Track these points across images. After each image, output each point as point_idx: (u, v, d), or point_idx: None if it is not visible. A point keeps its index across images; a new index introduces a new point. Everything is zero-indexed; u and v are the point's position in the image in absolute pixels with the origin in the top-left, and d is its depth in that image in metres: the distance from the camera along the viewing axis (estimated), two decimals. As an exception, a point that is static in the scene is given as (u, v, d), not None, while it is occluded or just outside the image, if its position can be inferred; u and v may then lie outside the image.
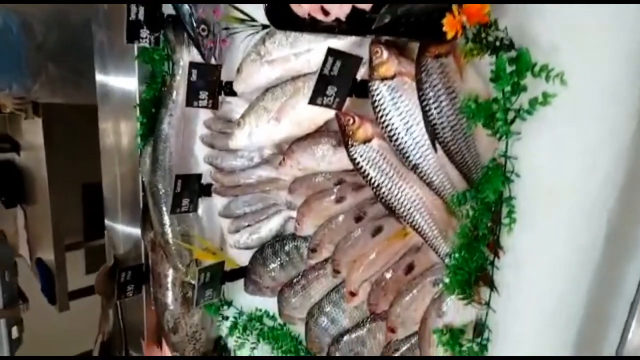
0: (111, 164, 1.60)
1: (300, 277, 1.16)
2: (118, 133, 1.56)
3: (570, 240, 0.77)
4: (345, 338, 1.08)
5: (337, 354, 1.09)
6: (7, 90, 2.34)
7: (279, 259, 1.18)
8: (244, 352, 1.32)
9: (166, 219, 1.27)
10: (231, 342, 1.38)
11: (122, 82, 1.49)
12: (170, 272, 1.36)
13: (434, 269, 0.96)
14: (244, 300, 1.34)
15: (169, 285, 1.36)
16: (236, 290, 1.35)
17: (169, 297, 1.36)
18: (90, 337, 2.04)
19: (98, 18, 1.62)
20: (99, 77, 1.60)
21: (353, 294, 1.06)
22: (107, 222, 1.66)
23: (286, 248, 1.17)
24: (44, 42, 2.27)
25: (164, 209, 1.27)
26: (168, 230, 1.26)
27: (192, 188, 1.24)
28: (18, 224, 3.51)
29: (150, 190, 1.29)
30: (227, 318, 1.36)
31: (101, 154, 1.68)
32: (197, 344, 1.39)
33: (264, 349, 1.29)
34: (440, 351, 0.93)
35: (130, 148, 1.50)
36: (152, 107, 1.30)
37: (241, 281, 1.32)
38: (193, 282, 1.27)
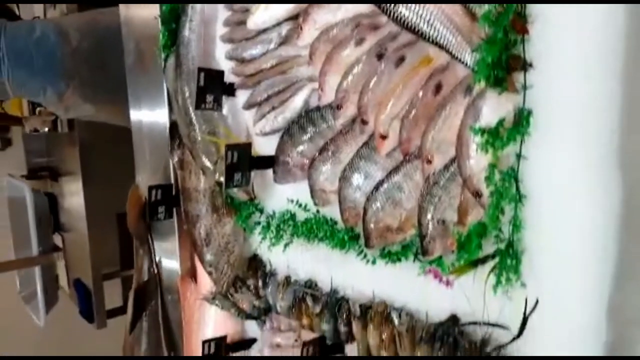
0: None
1: (328, 144, 1.12)
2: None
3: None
4: (381, 188, 1.03)
5: (374, 206, 1.03)
6: (41, 95, 2.45)
7: (306, 132, 1.16)
8: (278, 248, 1.27)
9: (192, 118, 1.27)
10: (264, 250, 1.33)
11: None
12: (201, 183, 1.35)
13: (463, 83, 0.93)
14: (275, 203, 1.30)
15: (200, 197, 1.34)
16: (267, 197, 1.32)
17: (200, 208, 1.34)
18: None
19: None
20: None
21: (384, 137, 1.02)
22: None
23: (312, 120, 1.15)
24: (79, 47, 2.41)
25: (190, 109, 1.28)
26: (195, 129, 1.27)
27: (216, 83, 1.25)
28: (58, 265, 3.52)
29: (175, 97, 1.31)
30: (259, 223, 1.32)
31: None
32: (231, 256, 1.34)
33: (298, 243, 1.24)
34: (481, 158, 0.87)
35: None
36: (173, 20, 1.35)
37: (272, 190, 1.30)
38: (222, 179, 1.25)
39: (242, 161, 1.17)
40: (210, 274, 1.36)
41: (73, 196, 3.16)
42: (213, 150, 1.26)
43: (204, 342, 1.37)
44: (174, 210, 1.45)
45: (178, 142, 1.39)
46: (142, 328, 1.62)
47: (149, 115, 1.61)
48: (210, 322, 1.48)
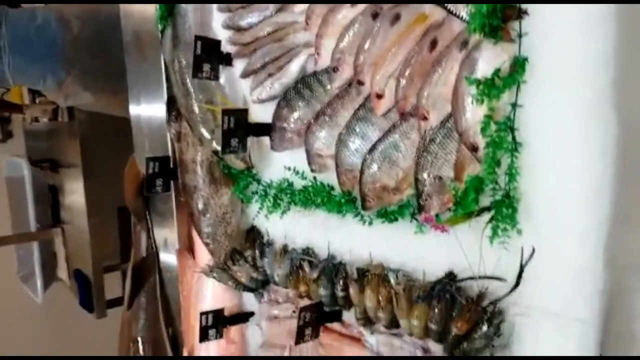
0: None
1: (325, 108, 1.12)
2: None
3: None
4: (377, 148, 1.03)
5: (371, 166, 1.02)
6: (41, 83, 2.44)
7: (302, 98, 1.16)
8: (276, 218, 1.27)
9: (189, 88, 1.27)
10: (262, 221, 1.32)
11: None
12: (198, 155, 1.35)
13: (458, 37, 0.93)
14: (273, 173, 1.30)
15: (197, 168, 1.34)
16: (264, 166, 1.32)
17: (197, 179, 1.33)
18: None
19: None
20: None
21: (380, 96, 1.02)
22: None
23: (309, 85, 1.15)
24: (79, 35, 2.40)
25: (187, 79, 1.28)
26: (192, 98, 1.27)
27: (212, 52, 1.25)
28: (56, 241, 3.53)
29: (172, 68, 1.31)
30: (256, 193, 1.32)
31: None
32: (229, 227, 1.33)
33: (295, 211, 1.24)
34: (477, 110, 0.87)
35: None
36: (170, -8, 1.35)
37: (269, 159, 1.29)
38: (219, 147, 1.26)
39: (239, 127, 1.17)
40: (207, 245, 1.35)
41: (73, 188, 3.15)
42: (210, 118, 1.26)
43: (201, 314, 1.37)
44: (172, 183, 1.45)
45: (175, 114, 1.39)
46: (139, 304, 1.61)
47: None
48: (208, 295, 1.47)
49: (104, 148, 3.01)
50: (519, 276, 0.84)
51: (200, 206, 1.33)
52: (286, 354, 1.38)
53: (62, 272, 3.36)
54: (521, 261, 0.84)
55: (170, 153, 1.46)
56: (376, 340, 1.15)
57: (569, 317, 0.80)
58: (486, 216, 0.88)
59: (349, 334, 1.23)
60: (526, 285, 0.85)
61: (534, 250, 0.83)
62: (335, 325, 1.25)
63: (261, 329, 1.42)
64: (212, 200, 1.33)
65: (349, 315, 1.23)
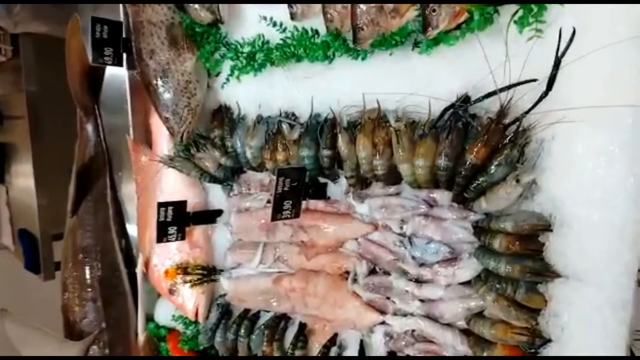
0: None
1: None
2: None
3: None
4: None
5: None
6: (-12, 9, 2.19)
7: None
8: (248, 77, 1.08)
9: None
10: (232, 90, 1.13)
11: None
12: (156, 15, 1.13)
13: None
14: (245, 30, 1.10)
15: (155, 30, 1.13)
16: (235, 25, 1.12)
17: (155, 42, 1.12)
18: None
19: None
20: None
21: None
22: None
23: None
24: None
25: None
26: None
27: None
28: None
29: None
30: (224, 56, 1.12)
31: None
32: (192, 100, 1.13)
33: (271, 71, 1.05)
34: None
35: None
36: None
37: (240, 15, 1.10)
38: None
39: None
40: (167, 121, 1.14)
41: (19, 144, 2.87)
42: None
43: (159, 206, 1.15)
44: (124, 57, 1.24)
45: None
46: (87, 208, 1.38)
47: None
48: (168, 191, 1.26)
49: (53, 97, 2.74)
50: (555, 70, 0.68)
51: (160, 74, 1.12)
52: (259, 252, 1.19)
53: (6, 237, 3.05)
54: (558, 47, 0.68)
55: (122, 18, 1.24)
56: (369, 207, 0.98)
57: (619, 106, 0.65)
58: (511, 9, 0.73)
59: (335, 211, 1.05)
60: (561, 86, 0.70)
61: (574, 31, 0.67)
62: (319, 205, 1.07)
63: (230, 227, 1.22)
64: (172, 66, 1.12)
65: (334, 190, 1.06)
